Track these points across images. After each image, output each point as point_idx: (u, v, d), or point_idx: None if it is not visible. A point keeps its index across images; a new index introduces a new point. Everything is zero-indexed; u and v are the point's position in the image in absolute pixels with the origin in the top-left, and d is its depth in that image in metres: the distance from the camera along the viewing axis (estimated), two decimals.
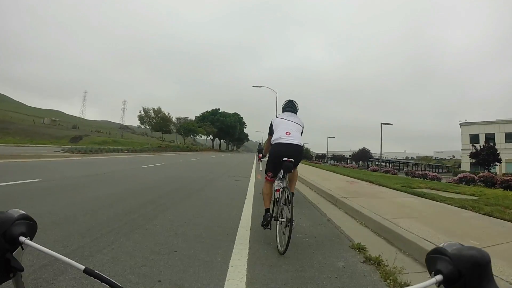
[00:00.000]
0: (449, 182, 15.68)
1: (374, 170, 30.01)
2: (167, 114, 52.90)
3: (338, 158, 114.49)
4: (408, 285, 0.49)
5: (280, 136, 3.77)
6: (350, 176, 14.45)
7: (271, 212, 3.87)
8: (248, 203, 6.38)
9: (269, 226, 3.78)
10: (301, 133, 4.00)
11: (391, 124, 38.16)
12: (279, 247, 3.34)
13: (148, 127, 51.07)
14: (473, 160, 35.31)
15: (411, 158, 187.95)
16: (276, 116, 4.17)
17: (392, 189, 9.37)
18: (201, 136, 76.07)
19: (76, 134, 70.09)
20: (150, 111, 51.48)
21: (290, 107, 4.25)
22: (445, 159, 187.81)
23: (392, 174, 25.65)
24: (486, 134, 61.09)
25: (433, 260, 0.54)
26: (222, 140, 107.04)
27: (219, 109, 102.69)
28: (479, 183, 15.49)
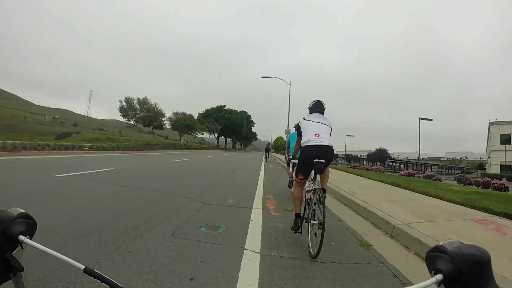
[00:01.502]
0: None
1: (410, 175, 23.27)
2: (154, 105, 43.06)
3: (351, 158, 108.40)
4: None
5: (309, 139, 3.66)
6: (432, 195, 7.84)
7: (302, 214, 3.79)
8: None
9: (299, 231, 3.72)
10: (330, 134, 3.88)
11: (431, 120, 31.07)
12: (311, 250, 3.23)
13: (131, 121, 42.08)
14: None
15: (423, 158, 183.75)
16: (304, 118, 4.04)
17: None
18: (202, 134, 67.76)
19: (66, 131, 65.31)
20: (134, 101, 41.12)
21: (318, 107, 4.12)
22: (457, 159, 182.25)
23: (436, 180, 19.09)
24: None
25: (433, 258, 0.53)
26: (228, 139, 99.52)
27: (224, 105, 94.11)
28: None
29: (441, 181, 19.07)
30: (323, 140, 3.62)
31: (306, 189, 3.85)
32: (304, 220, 3.71)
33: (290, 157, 5.37)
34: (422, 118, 30.28)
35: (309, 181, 3.85)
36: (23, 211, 0.65)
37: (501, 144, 55.13)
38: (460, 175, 20.89)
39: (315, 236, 3.24)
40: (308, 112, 4.19)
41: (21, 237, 0.60)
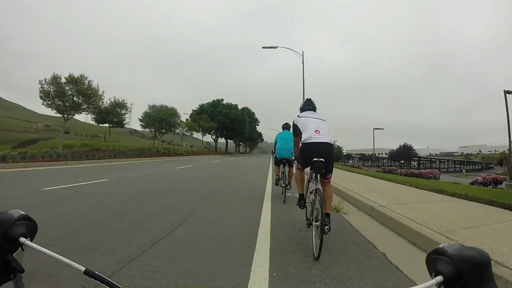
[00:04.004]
0: None
1: (495, 181, 14.61)
2: (88, 83, 26.04)
3: (368, 158, 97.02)
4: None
5: (310, 136, 3.63)
6: None
7: (309, 216, 3.74)
8: None
9: (304, 206, 4.05)
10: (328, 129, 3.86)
11: None
12: (314, 252, 3.17)
13: (55, 111, 25.54)
14: None
15: (435, 154, 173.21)
16: (299, 116, 4.06)
17: None
18: (191, 134, 53.57)
19: (33, 137, 56.68)
20: (61, 79, 24.42)
21: (310, 105, 4.21)
22: (472, 154, 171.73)
23: None
24: None
25: (433, 260, 0.53)
26: (230, 140, 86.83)
27: (222, 99, 78.84)
28: None
29: None
30: (323, 137, 3.62)
31: (309, 190, 3.83)
32: (309, 222, 3.76)
33: (293, 158, 5.70)
34: (508, 92, 19.79)
35: (311, 181, 3.78)
36: (24, 213, 0.65)
37: None
38: None
39: (318, 238, 3.15)
40: (300, 111, 4.24)
41: (22, 239, 0.61)
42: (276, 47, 25.52)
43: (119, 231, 4.02)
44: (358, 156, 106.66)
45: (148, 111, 38.23)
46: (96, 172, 13.37)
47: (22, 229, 0.62)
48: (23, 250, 0.62)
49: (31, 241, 0.63)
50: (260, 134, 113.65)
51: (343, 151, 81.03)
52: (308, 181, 3.97)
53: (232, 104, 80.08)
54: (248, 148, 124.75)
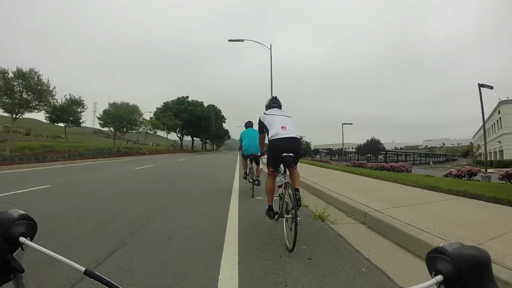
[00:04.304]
0: None
1: (470, 173, 13.70)
2: (36, 77, 22.89)
3: (336, 153, 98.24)
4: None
5: (277, 132, 3.63)
6: None
7: (278, 209, 3.77)
8: None
9: (272, 219, 3.95)
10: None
11: (492, 88, 21.10)
12: (287, 244, 3.22)
13: (2, 110, 22.82)
14: None
15: (400, 147, 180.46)
16: (265, 113, 4.04)
17: None
18: (155, 132, 50.28)
19: None
20: (9, 74, 21.50)
21: (276, 103, 4.23)
22: (436, 147, 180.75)
23: None
24: None
25: (433, 260, 0.53)
26: (196, 138, 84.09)
27: (187, 96, 76.43)
28: None
29: None
30: (290, 132, 3.61)
31: (278, 184, 3.86)
32: (279, 215, 3.76)
33: (259, 154, 5.81)
34: (482, 85, 20.18)
35: (279, 176, 3.85)
36: (23, 212, 0.65)
37: None
38: None
39: (290, 230, 3.19)
40: (265, 109, 4.22)
41: (22, 239, 0.61)
42: (243, 40, 24.72)
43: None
44: (326, 151, 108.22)
45: (108, 108, 35.55)
46: (41, 176, 11.46)
47: (22, 228, 0.61)
48: (23, 249, 0.62)
49: (31, 241, 0.62)
50: (227, 132, 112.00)
51: (311, 146, 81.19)
52: (275, 176, 3.95)
53: (197, 101, 77.45)
54: (215, 145, 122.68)
